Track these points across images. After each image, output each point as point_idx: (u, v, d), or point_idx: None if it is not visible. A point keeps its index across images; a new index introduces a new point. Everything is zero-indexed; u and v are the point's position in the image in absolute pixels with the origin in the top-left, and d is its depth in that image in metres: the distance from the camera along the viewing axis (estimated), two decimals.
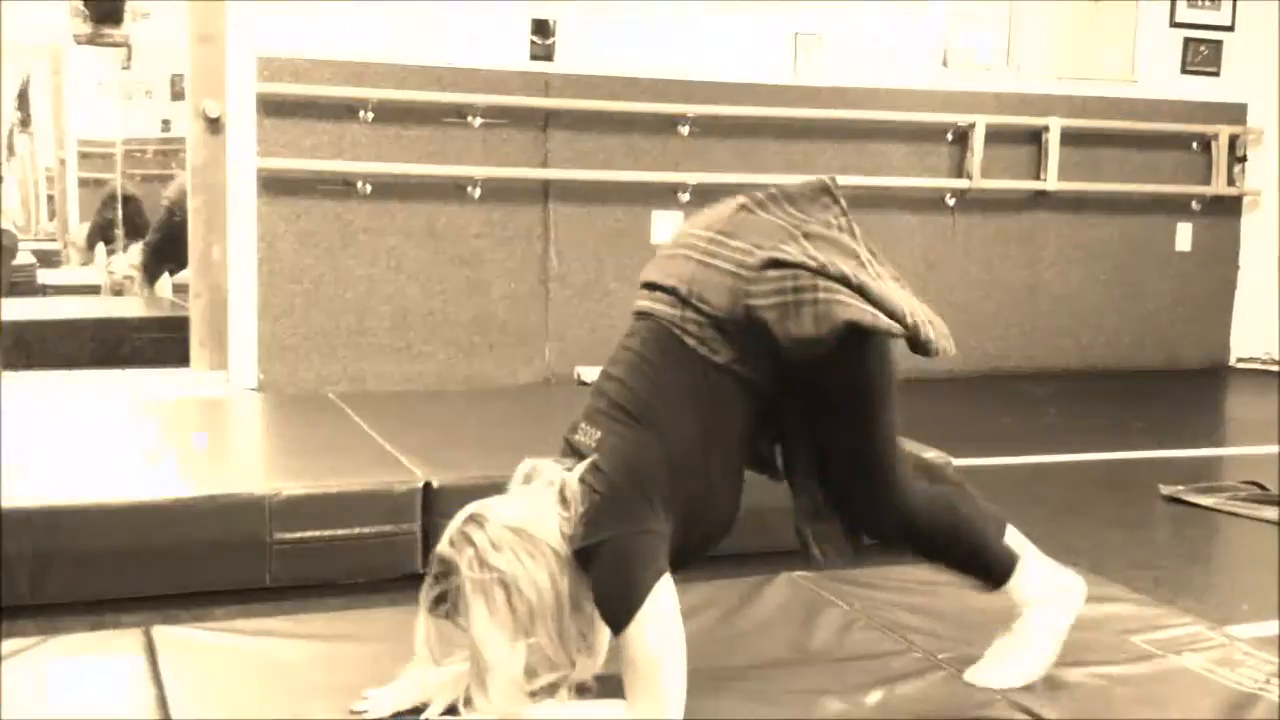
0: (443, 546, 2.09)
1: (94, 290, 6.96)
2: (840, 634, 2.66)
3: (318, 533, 3.18)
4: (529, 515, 2.08)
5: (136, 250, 6.91)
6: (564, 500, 2.08)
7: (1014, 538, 2.48)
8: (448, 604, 2.08)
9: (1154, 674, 2.49)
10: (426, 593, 2.10)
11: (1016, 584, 2.41)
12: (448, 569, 2.07)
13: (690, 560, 2.20)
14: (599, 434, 2.13)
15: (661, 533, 2.09)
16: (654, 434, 2.11)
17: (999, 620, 2.75)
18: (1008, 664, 2.41)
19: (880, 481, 2.31)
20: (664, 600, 2.06)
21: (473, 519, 2.08)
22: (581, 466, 2.10)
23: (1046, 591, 2.43)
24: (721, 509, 2.22)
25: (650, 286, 2.23)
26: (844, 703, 2.33)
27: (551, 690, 2.07)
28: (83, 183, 7.36)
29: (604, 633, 2.15)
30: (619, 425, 2.12)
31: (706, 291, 2.14)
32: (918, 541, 2.42)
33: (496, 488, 2.19)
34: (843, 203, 2.30)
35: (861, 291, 2.14)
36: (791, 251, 2.14)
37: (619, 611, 2.04)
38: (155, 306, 6.71)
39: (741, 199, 2.27)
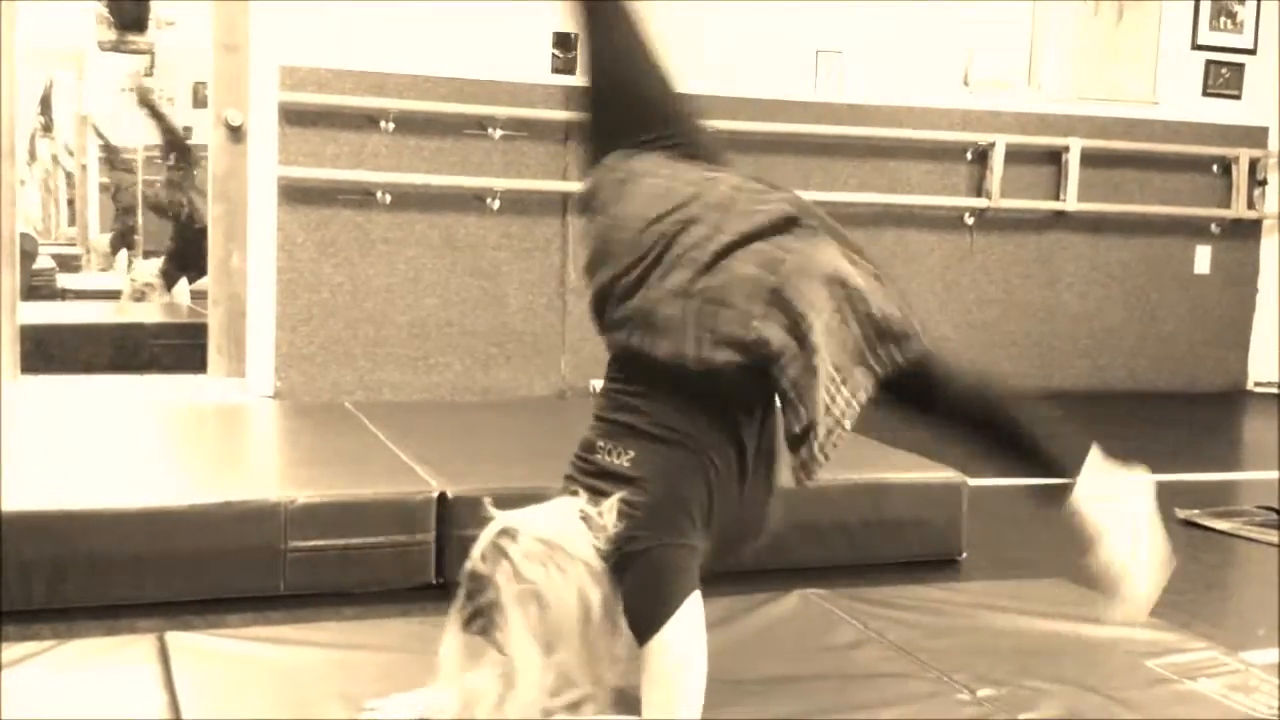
0: (474, 562, 2.07)
1: (114, 295, 6.99)
2: (852, 652, 2.65)
3: (332, 541, 3.18)
4: (559, 529, 2.07)
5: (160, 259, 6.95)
6: (594, 525, 2.08)
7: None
8: (482, 619, 2.06)
9: (1168, 699, 2.48)
10: (459, 611, 2.08)
11: (1086, 476, 2.29)
12: (480, 585, 2.05)
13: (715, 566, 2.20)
14: (632, 453, 2.13)
15: (697, 548, 2.10)
16: (695, 455, 2.12)
17: (1015, 642, 2.75)
18: (1131, 578, 2.27)
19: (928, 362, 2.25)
20: (692, 615, 2.05)
21: (504, 532, 2.07)
22: (620, 494, 2.09)
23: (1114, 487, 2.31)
24: (755, 516, 2.24)
25: None
26: None
27: (574, 709, 2.06)
28: (103, 188, 7.40)
29: (627, 642, 2.14)
30: (657, 444, 2.13)
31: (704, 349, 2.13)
32: (975, 419, 2.34)
33: (511, 499, 2.19)
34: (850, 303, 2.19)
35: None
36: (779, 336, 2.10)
37: (647, 622, 2.04)
38: (174, 313, 6.74)
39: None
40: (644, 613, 2.05)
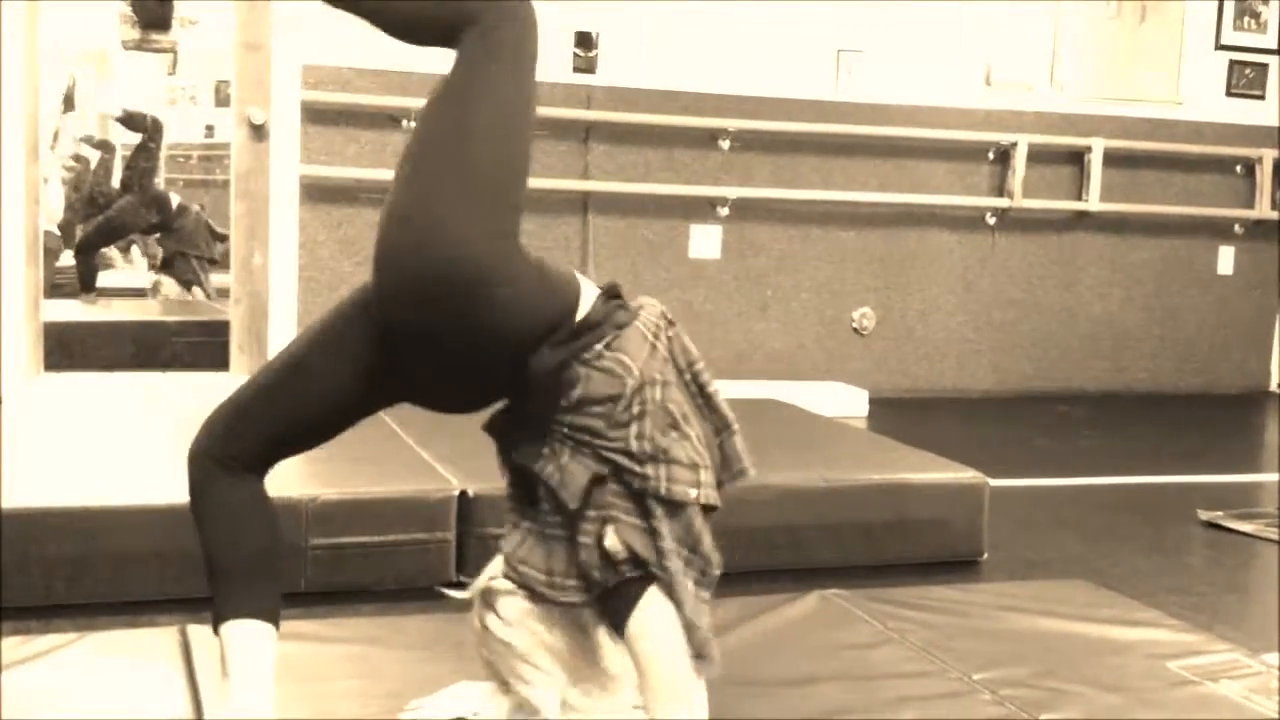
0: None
1: (136, 293, 7.02)
2: (872, 652, 2.65)
3: (353, 539, 3.19)
4: None
5: (191, 264, 6.96)
6: None
7: None
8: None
9: (1190, 701, 2.47)
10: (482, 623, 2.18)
11: None
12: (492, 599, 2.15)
13: None
14: None
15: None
16: None
17: (1036, 643, 2.74)
18: None
19: None
20: (655, 597, 2.03)
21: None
22: None
23: None
24: None
25: None
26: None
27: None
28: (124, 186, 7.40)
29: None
30: None
31: None
32: None
33: None
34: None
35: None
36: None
37: (620, 610, 2.02)
38: (196, 310, 6.76)
39: None
40: (617, 600, 2.04)
